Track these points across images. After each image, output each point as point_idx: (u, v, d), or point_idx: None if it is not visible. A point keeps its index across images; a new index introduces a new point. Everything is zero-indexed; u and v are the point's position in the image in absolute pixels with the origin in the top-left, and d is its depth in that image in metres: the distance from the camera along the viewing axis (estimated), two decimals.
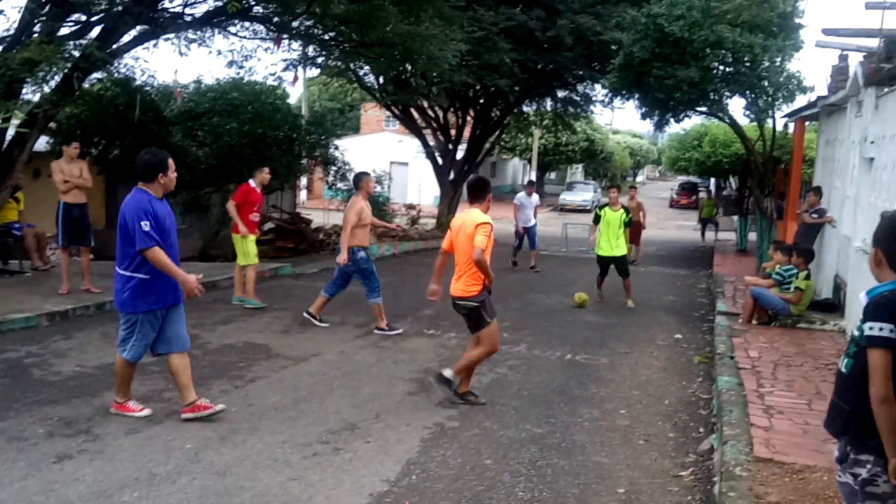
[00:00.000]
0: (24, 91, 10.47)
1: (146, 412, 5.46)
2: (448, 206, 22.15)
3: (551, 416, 5.90)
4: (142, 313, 5.25)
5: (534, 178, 29.20)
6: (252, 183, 9.71)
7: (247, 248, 9.62)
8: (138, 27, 11.41)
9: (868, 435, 2.69)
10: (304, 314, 8.85)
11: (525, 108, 24.78)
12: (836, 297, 10.12)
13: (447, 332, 8.75)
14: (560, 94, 23.15)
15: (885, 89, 8.39)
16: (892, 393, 2.61)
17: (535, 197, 15.98)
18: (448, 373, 6.05)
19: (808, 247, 10.23)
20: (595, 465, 4.98)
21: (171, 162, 5.37)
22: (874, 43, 9.98)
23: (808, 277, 9.35)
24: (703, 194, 35.98)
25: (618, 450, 5.28)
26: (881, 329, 2.63)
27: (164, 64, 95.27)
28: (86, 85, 11.87)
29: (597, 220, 11.37)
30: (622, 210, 11.20)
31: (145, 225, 5.07)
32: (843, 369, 2.84)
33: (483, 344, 6.02)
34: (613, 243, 11.06)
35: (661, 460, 5.14)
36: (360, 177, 8.82)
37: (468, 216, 5.97)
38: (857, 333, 2.78)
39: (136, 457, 4.70)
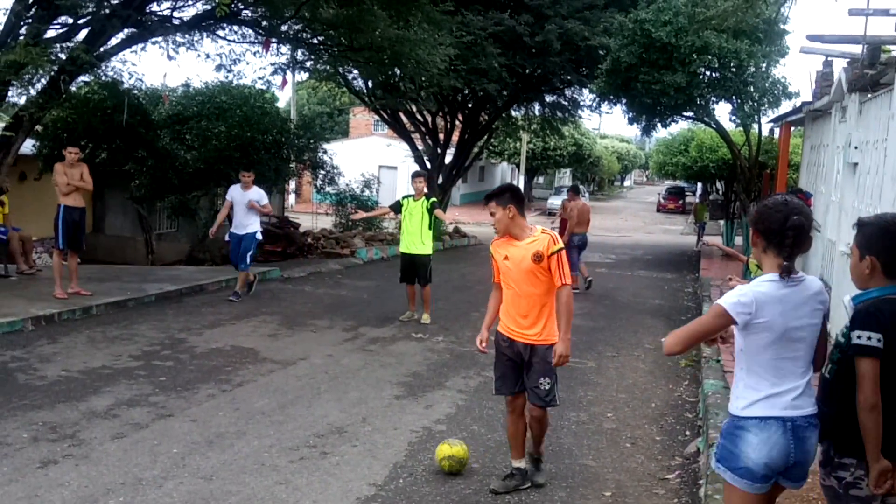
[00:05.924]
0: (9, 94, 10.46)
1: None
2: None
3: None
4: None
5: (522, 182, 24.08)
6: None
7: None
8: (126, 30, 11.40)
9: (851, 439, 2.70)
10: None
11: (513, 113, 24.85)
12: None
13: (434, 335, 8.75)
14: (548, 98, 23.27)
15: (869, 95, 8.46)
16: (880, 400, 2.63)
17: (255, 191, 10.55)
18: None
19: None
20: (582, 468, 5.00)
21: None
22: (858, 49, 10.11)
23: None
24: (692, 199, 36.10)
25: (604, 453, 5.31)
26: (869, 338, 2.63)
27: (152, 67, 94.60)
28: (73, 88, 11.84)
29: (397, 207, 9.59)
30: (424, 198, 9.40)
31: None
32: (827, 375, 2.85)
33: None
34: (418, 239, 9.37)
35: (647, 463, 5.17)
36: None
37: None
38: (841, 339, 2.77)
39: (122, 462, 4.68)
